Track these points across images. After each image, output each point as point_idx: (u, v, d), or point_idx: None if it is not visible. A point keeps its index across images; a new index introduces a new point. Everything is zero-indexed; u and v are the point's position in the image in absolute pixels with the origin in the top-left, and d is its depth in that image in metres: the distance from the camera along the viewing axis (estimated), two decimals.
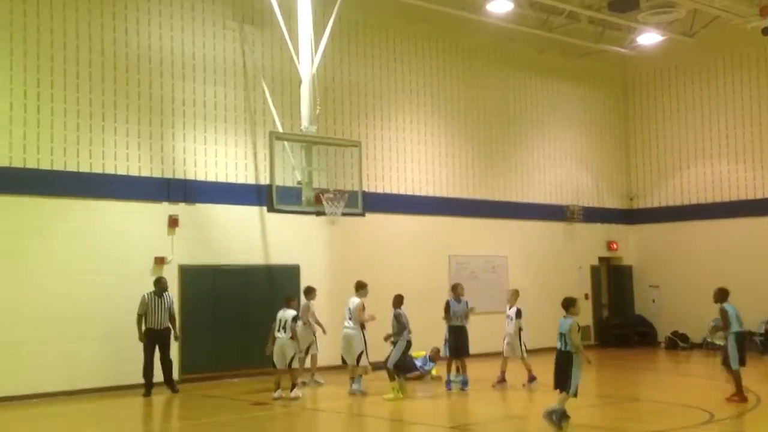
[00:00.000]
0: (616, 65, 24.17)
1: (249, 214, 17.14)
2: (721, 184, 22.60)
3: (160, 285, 14.89)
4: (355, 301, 14.37)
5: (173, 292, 15.72)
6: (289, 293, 15.06)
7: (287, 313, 13.98)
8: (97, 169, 15.38)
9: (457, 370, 14.82)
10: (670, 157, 23.73)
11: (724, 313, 13.04)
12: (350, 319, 14.27)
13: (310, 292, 15.69)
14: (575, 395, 10.37)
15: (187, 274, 16.19)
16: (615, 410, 12.68)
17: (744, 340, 13.36)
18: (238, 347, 16.50)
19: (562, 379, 10.39)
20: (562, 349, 10.45)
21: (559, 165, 23.05)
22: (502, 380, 14.76)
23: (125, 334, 15.03)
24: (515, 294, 15.37)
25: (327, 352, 15.98)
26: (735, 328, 13.07)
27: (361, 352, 14.07)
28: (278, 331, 13.90)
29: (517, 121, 22.21)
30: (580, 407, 11.90)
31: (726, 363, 13.02)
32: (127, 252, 15.49)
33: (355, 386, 14.04)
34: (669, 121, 23.75)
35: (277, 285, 17.15)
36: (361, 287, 14.58)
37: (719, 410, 11.77)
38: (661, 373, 18.46)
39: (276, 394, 13.59)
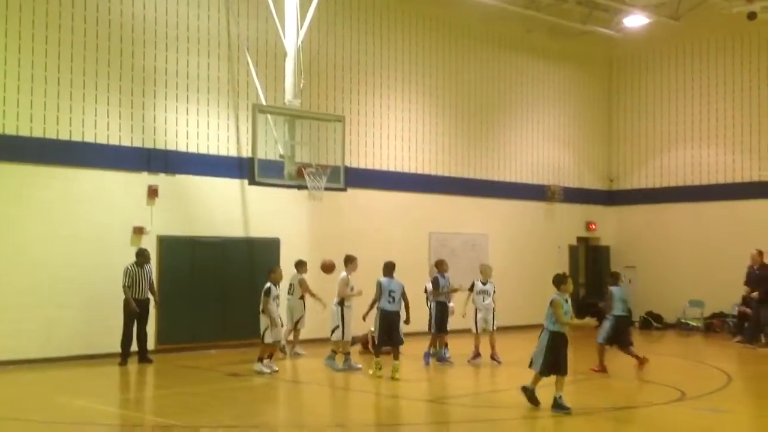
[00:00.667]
0: (601, 47, 24.20)
1: (230, 186, 17.10)
2: (701, 168, 22.79)
3: (143, 256, 14.85)
4: (341, 275, 14.19)
5: (151, 262, 15.72)
6: (271, 265, 15.06)
7: (264, 287, 13.90)
8: (77, 138, 15.28)
9: (438, 345, 14.92)
10: (651, 140, 23.88)
11: (610, 294, 13.94)
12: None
13: (301, 265, 15.73)
14: (541, 374, 10.38)
15: (166, 244, 16.17)
16: (588, 387, 12.84)
17: (623, 324, 14.14)
18: (215, 319, 16.54)
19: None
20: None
21: (541, 145, 23.13)
22: (477, 355, 14.91)
23: (103, 302, 15.06)
24: (491, 269, 15.55)
25: (309, 325, 16.05)
26: (617, 311, 13.91)
27: (336, 327, 13.90)
28: None
29: (501, 100, 22.24)
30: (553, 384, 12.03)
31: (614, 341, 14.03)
32: (105, 221, 15.43)
33: (326, 361, 13.98)
34: (652, 104, 23.86)
35: (257, 258, 17.19)
36: (349, 261, 14.37)
37: (690, 389, 11.95)
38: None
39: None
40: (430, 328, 15.06)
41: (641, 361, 14.03)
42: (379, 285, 13.34)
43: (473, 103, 21.63)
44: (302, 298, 15.60)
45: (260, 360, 13.55)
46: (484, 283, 15.22)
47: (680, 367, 15.51)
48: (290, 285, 15.57)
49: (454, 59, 21.19)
